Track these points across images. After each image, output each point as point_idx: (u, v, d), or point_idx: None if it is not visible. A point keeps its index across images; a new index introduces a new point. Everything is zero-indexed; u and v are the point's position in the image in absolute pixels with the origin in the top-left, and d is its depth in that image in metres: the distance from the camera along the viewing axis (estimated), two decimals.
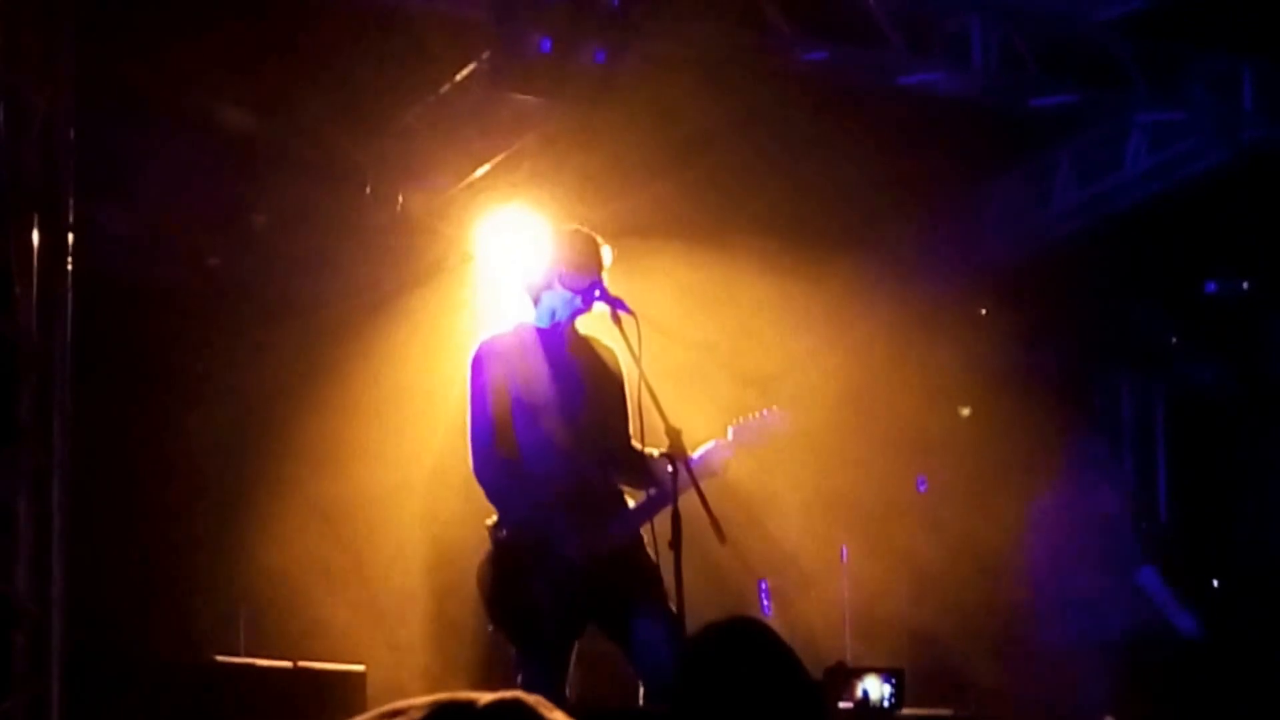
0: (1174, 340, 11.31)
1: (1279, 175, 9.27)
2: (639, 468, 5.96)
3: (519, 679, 5.70)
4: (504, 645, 5.99)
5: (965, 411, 10.59)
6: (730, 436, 6.10)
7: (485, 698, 1.40)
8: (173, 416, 8.82)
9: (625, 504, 6.03)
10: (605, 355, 6.12)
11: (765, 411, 6.21)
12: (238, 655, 7.99)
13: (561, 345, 6.06)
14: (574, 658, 5.91)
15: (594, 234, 6.12)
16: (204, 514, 8.83)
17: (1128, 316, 11.17)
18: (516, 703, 1.39)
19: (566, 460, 5.92)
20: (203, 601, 8.65)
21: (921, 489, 10.52)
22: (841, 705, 7.74)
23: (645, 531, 5.89)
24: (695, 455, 5.86)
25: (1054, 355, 11.26)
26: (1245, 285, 10.74)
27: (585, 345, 6.13)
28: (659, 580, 5.78)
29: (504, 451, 5.87)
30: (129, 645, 7.84)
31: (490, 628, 5.98)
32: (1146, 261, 10.41)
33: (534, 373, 5.97)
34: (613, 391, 6.05)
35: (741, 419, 6.18)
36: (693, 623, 5.27)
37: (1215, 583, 10.98)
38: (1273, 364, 11.09)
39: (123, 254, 8.46)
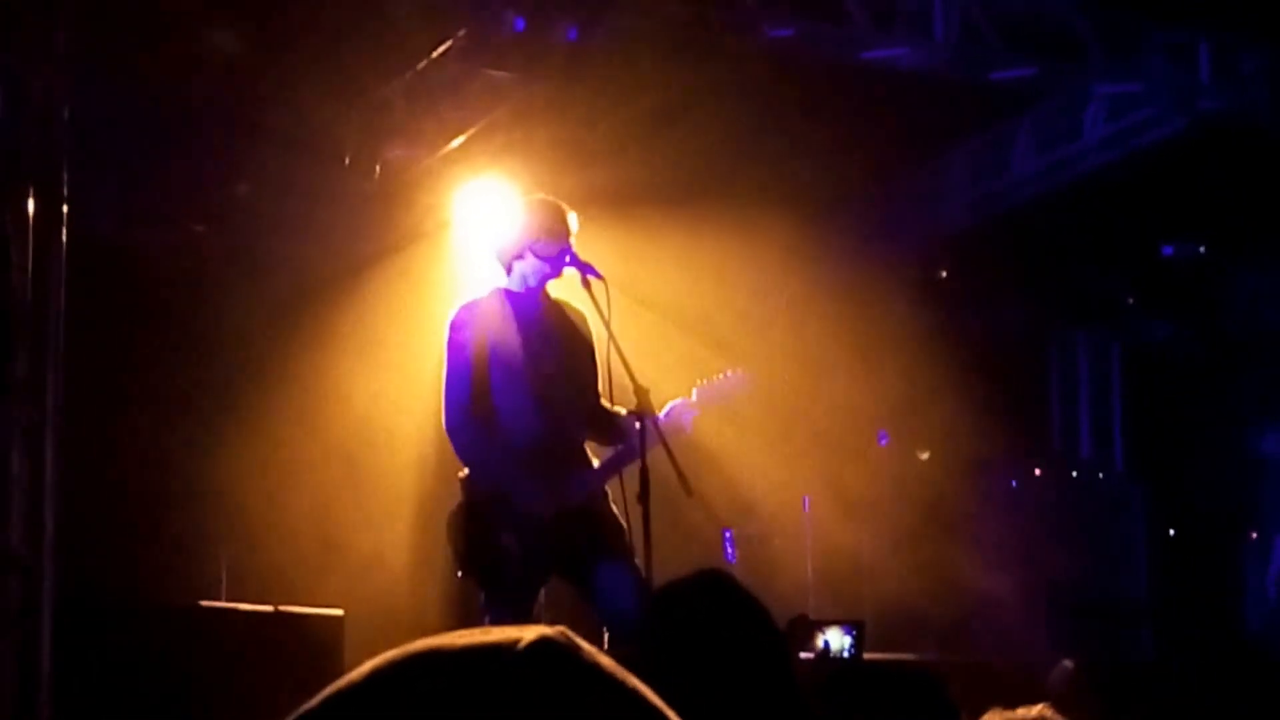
0: (1130, 301, 11.53)
1: (1234, 144, 9.42)
2: (608, 426, 6.21)
3: (486, 622, 5.96)
4: (473, 591, 6.20)
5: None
6: (695, 397, 6.30)
7: (526, 636, 1.27)
8: (160, 373, 8.92)
9: (590, 462, 6.25)
10: (576, 318, 6.33)
11: (728, 373, 6.41)
12: (220, 600, 8.20)
13: (535, 309, 6.27)
14: (540, 603, 6.18)
15: (561, 202, 6.32)
16: (189, 466, 8.94)
17: (1085, 278, 11.37)
18: (556, 645, 1.26)
19: (538, 419, 6.15)
20: (187, 549, 8.80)
21: (882, 443, 10.69)
22: (803, 656, 7.86)
23: (614, 485, 6.12)
24: (661, 414, 6.07)
25: (1012, 316, 11.49)
26: (1201, 249, 10.96)
27: (557, 309, 6.34)
28: (622, 532, 6.01)
29: (477, 409, 6.11)
30: (116, 591, 8.00)
31: (459, 574, 6.22)
32: (1104, 226, 10.59)
33: (509, 335, 6.19)
34: (583, 353, 6.27)
35: (705, 380, 6.38)
36: (660, 572, 5.51)
37: (1171, 532, 11.25)
38: (1226, 323, 11.32)
39: (113, 221, 8.61)
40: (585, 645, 1.31)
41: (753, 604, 3.30)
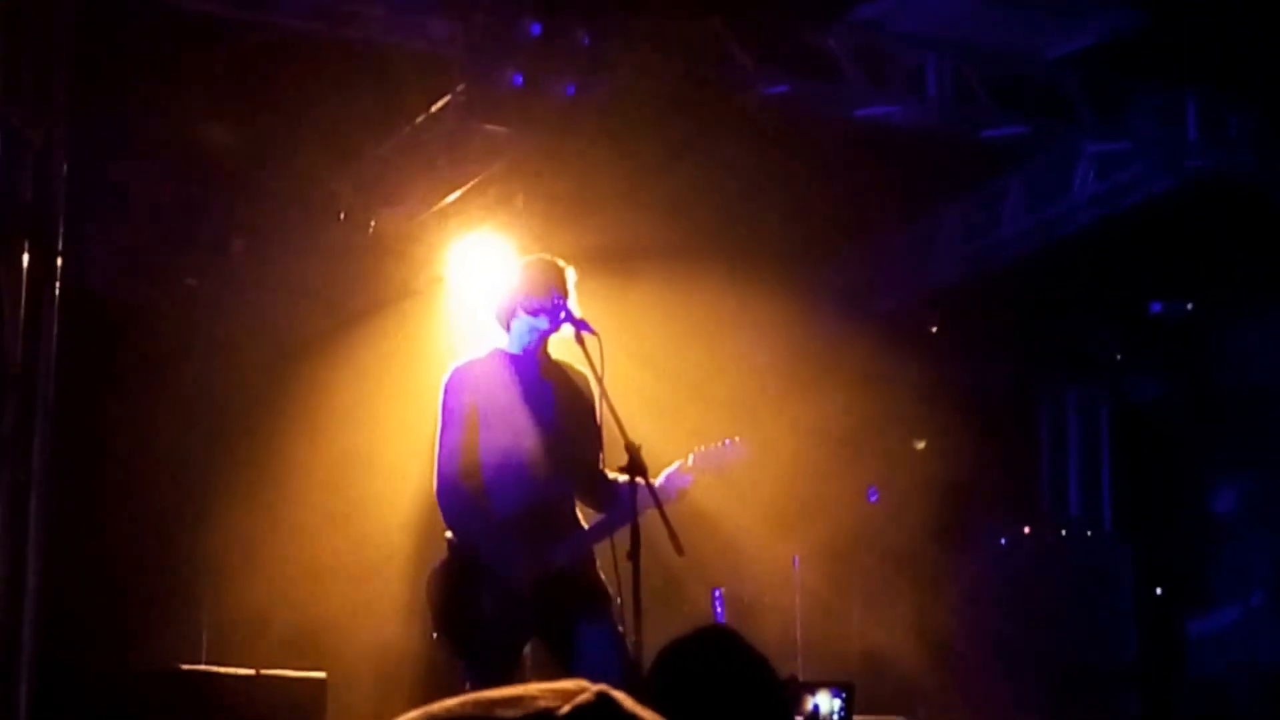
0: (1119, 358, 11.55)
1: (1222, 202, 9.47)
2: (604, 492, 6.15)
3: (466, 687, 5.88)
4: (452, 653, 6.12)
5: (920, 444, 10.74)
6: (691, 462, 6.24)
7: (564, 704, 1.25)
8: (147, 431, 8.88)
9: (580, 526, 6.19)
10: (577, 379, 6.27)
11: (727, 441, 6.34)
12: (201, 662, 8.12)
13: (533, 370, 6.23)
14: (526, 665, 6.11)
15: (556, 259, 6.29)
16: (173, 526, 8.89)
17: (1074, 335, 11.40)
18: (599, 708, 1.25)
19: (527, 484, 6.09)
20: (169, 610, 8.73)
21: (872, 499, 10.67)
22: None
23: (604, 544, 6.02)
24: (658, 479, 6.00)
25: (1002, 372, 11.50)
26: (1189, 306, 10.99)
27: (557, 370, 6.30)
28: (606, 598, 5.98)
29: (465, 474, 6.06)
30: (97, 653, 7.92)
31: (434, 635, 6.15)
32: (1093, 283, 10.63)
33: (502, 398, 6.14)
34: (583, 416, 6.17)
35: (703, 447, 6.31)
36: (649, 630, 5.44)
37: (1159, 591, 11.24)
38: (1214, 381, 11.35)
39: (105, 274, 8.57)
40: (626, 701, 1.28)
41: (760, 663, 3.31)
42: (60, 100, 6.37)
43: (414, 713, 1.30)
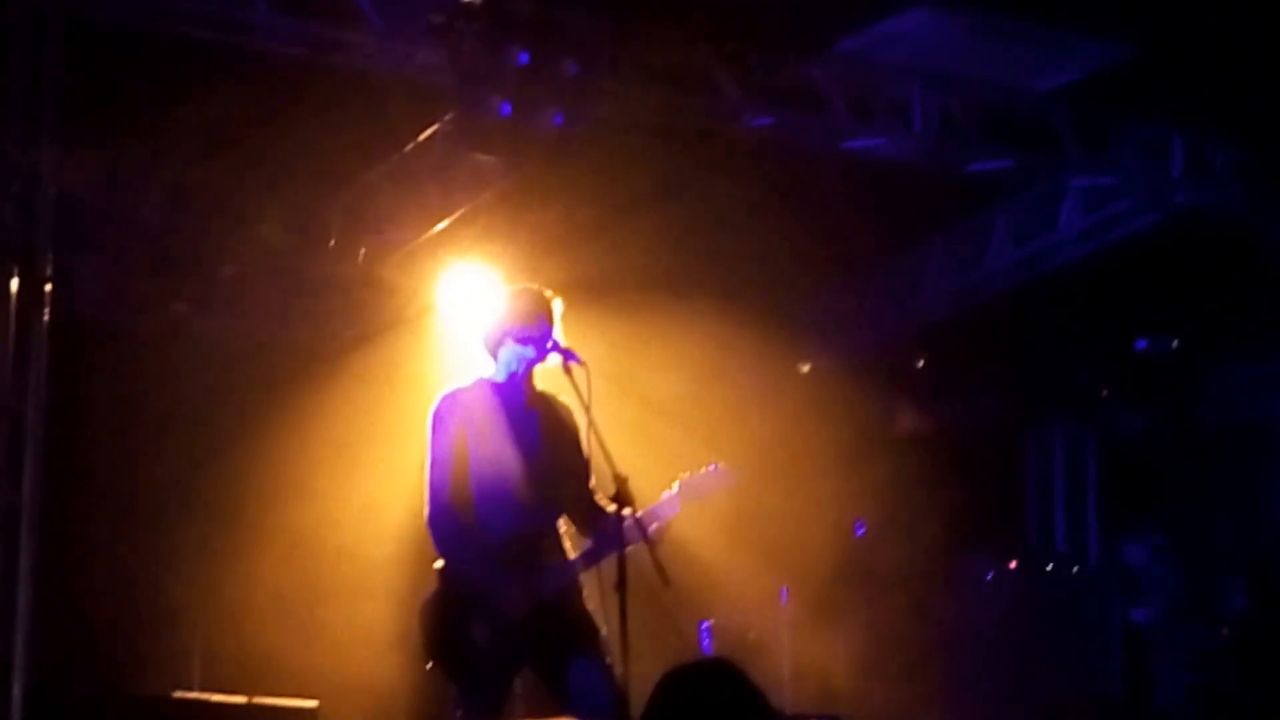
0: (1105, 394, 11.57)
1: (1207, 238, 9.54)
2: (590, 522, 6.15)
3: (458, 717, 5.88)
4: (444, 682, 6.11)
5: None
6: (676, 490, 6.23)
7: None
8: (137, 458, 8.90)
9: (565, 556, 6.17)
10: (562, 411, 6.28)
11: (711, 468, 6.34)
12: (193, 689, 8.13)
13: (519, 400, 6.24)
14: (517, 694, 6.12)
15: (543, 289, 6.30)
16: (164, 553, 8.89)
17: (1060, 370, 11.42)
18: None
19: (516, 511, 6.09)
20: (161, 637, 8.72)
21: (859, 533, 10.67)
22: None
23: (591, 575, 6.04)
24: (645, 511, 5.99)
25: (988, 407, 11.52)
26: (1174, 343, 11.02)
27: (543, 400, 6.30)
28: (594, 629, 5.98)
29: (456, 502, 6.06)
30: (89, 680, 7.92)
31: (428, 665, 6.13)
32: (1079, 319, 10.66)
33: (490, 426, 6.15)
34: (568, 445, 6.18)
35: (688, 474, 6.30)
36: (637, 663, 5.45)
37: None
38: (1199, 416, 11.38)
39: (95, 301, 8.58)
40: None
41: (758, 696, 3.33)
42: (48, 126, 6.39)
43: None
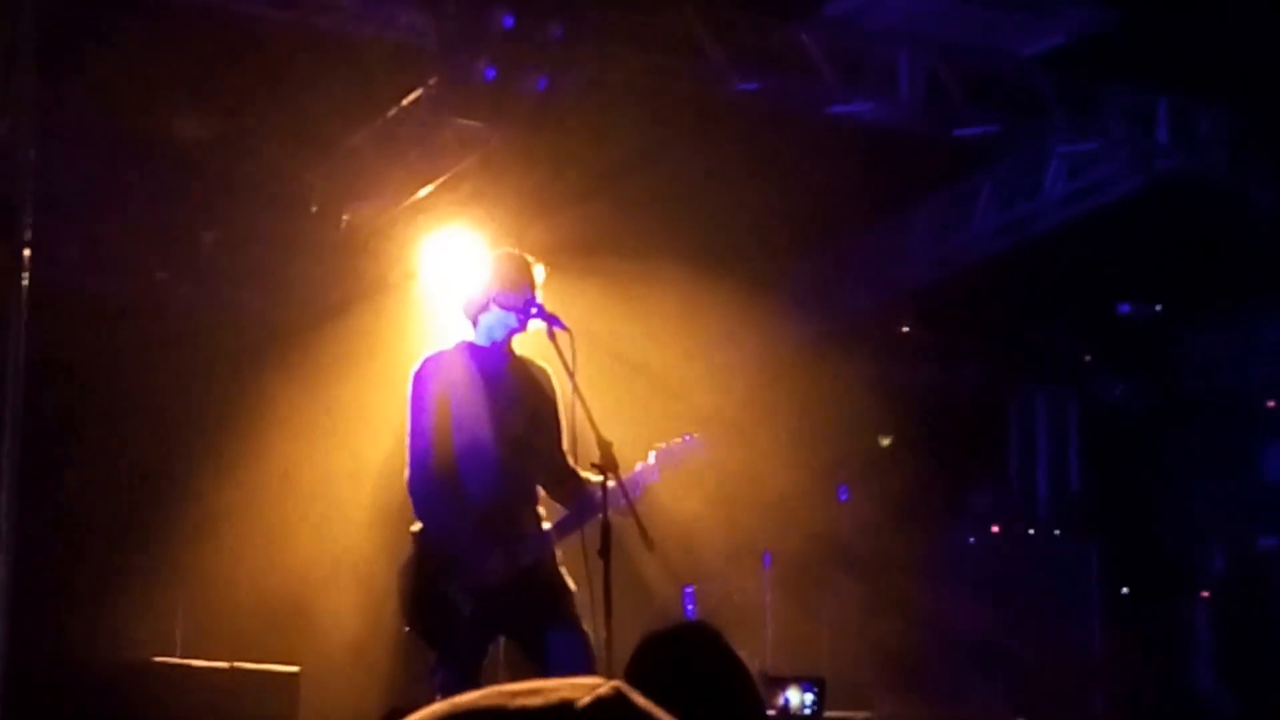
0: (1087, 359, 11.60)
1: (1191, 203, 9.52)
2: (570, 486, 6.13)
3: (436, 680, 5.88)
4: (426, 647, 6.12)
5: (885, 441, 10.76)
6: (652, 460, 6.21)
7: (582, 695, 1.28)
8: (118, 424, 8.87)
9: (540, 522, 6.16)
10: (540, 376, 6.27)
11: (687, 437, 6.33)
12: (175, 656, 8.12)
13: (500, 364, 6.21)
14: (500, 661, 6.14)
15: (526, 254, 6.28)
16: (145, 520, 8.87)
17: (1043, 336, 11.44)
18: (615, 703, 1.28)
19: (497, 476, 6.08)
20: (143, 604, 8.70)
21: (843, 498, 10.70)
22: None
23: (573, 541, 6.02)
24: (625, 478, 5.95)
25: (972, 372, 11.54)
26: (1157, 308, 11.05)
27: (521, 365, 6.28)
28: (570, 596, 5.99)
29: (439, 467, 6.04)
30: (70, 647, 7.91)
31: (405, 628, 6.16)
32: (1063, 284, 10.67)
33: (471, 390, 6.13)
34: (546, 410, 6.20)
35: (664, 443, 6.28)
36: (620, 629, 5.47)
37: (1125, 590, 11.30)
38: (1181, 382, 11.42)
39: (74, 267, 8.53)
40: (640, 700, 1.31)
41: (735, 659, 3.31)
42: (27, 91, 6.34)
43: (440, 705, 1.33)
